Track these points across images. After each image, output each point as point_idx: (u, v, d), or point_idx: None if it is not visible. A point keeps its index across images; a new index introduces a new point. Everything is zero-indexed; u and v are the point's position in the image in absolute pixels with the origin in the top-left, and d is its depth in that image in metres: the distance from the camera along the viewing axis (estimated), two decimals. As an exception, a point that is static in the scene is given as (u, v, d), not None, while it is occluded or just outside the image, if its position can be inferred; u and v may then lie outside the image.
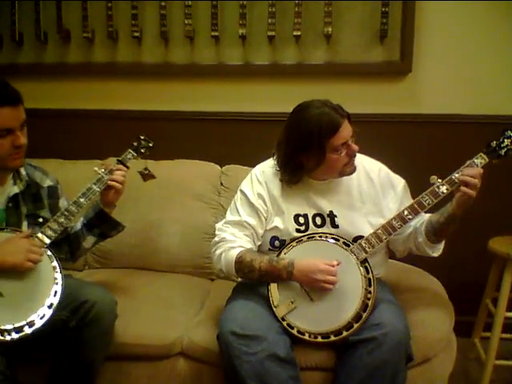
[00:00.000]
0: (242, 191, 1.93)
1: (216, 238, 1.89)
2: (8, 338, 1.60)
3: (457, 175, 1.72)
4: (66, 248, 1.94)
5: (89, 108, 2.74)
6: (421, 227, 1.83)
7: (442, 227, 1.77)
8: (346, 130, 1.76)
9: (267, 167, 1.94)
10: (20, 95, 1.71)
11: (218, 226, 1.92)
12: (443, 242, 1.86)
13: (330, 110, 1.75)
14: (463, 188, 1.67)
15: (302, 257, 1.76)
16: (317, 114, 1.75)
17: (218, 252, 1.85)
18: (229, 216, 1.92)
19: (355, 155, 1.81)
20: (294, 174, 1.84)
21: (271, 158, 1.93)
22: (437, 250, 1.86)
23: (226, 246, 1.83)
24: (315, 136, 1.74)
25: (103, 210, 1.87)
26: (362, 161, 1.90)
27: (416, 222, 1.85)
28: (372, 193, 1.89)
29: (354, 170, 1.84)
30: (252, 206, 1.88)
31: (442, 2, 2.46)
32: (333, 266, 1.71)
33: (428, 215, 1.84)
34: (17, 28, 2.64)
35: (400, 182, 1.92)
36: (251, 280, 1.83)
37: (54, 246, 1.78)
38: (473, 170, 1.70)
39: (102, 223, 1.90)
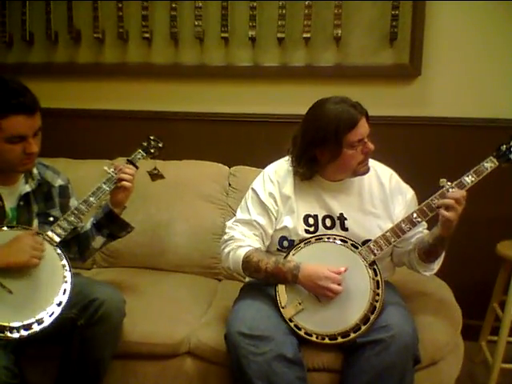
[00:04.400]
0: (253, 190, 1.93)
1: (225, 236, 1.89)
2: (17, 335, 1.60)
3: (466, 178, 1.73)
4: (76, 248, 1.95)
5: (98, 108, 2.75)
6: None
7: (430, 248, 1.78)
8: (364, 127, 1.77)
9: (280, 166, 1.94)
10: (37, 103, 1.69)
11: (228, 224, 1.93)
12: (436, 263, 1.85)
13: (348, 107, 1.75)
14: (441, 211, 1.68)
15: (309, 259, 1.77)
16: (335, 109, 1.75)
17: (226, 250, 1.86)
18: (239, 214, 1.92)
19: (370, 154, 1.81)
20: (307, 167, 1.84)
21: (285, 157, 1.93)
22: (429, 270, 1.86)
23: (234, 245, 1.83)
24: (332, 130, 1.74)
25: (113, 210, 1.88)
26: (374, 166, 1.90)
27: (418, 240, 1.84)
28: (382, 197, 1.89)
29: (367, 170, 1.84)
30: (263, 205, 1.88)
31: (453, 5, 2.45)
32: (339, 273, 1.71)
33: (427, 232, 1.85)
34: (27, 28, 2.66)
35: (409, 192, 1.92)
36: (257, 280, 1.84)
37: (64, 245, 1.79)
38: (457, 193, 1.69)
39: (111, 223, 1.91)
